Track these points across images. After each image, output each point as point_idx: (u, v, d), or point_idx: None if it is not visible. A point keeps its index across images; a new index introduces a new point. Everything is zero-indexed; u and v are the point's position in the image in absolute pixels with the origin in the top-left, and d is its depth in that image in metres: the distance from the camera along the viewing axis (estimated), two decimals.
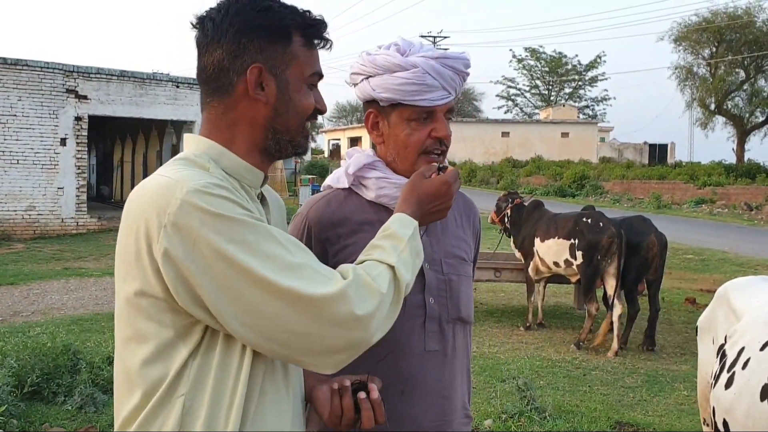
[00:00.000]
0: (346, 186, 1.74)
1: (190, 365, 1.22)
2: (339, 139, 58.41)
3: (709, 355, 2.74)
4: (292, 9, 1.39)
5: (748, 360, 2.35)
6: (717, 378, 2.50)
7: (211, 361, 1.23)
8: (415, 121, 1.65)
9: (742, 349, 2.42)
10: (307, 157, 43.36)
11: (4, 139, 15.84)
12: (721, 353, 2.57)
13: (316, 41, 1.42)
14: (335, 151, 56.69)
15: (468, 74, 1.70)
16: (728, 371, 2.43)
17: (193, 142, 1.39)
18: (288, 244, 1.25)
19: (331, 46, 1.45)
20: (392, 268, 1.34)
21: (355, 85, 1.73)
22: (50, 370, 5.04)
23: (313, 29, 1.40)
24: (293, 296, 1.19)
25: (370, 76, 1.68)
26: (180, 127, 19.69)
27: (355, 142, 55.41)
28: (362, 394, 1.40)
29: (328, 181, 1.81)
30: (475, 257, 1.88)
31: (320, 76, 1.44)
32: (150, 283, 1.20)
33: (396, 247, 1.38)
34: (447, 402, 1.70)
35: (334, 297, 1.21)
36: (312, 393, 1.47)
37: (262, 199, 1.46)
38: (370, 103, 1.72)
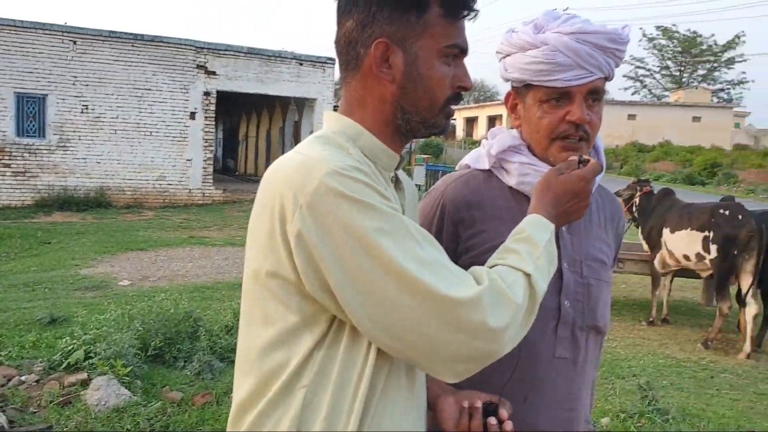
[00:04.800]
0: (486, 167, 1.62)
1: (314, 356, 1.16)
2: (455, 119, 58.03)
3: None
4: None
5: None
6: None
7: (336, 354, 1.16)
8: (548, 103, 1.51)
9: None
10: None
11: (140, 112, 16.75)
12: None
13: (459, 11, 1.27)
14: (450, 132, 56.40)
15: (620, 50, 1.51)
16: None
17: (332, 120, 1.32)
18: (421, 238, 1.15)
19: (476, 16, 1.30)
20: (528, 276, 1.21)
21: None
22: (172, 335, 5.25)
23: (455, 1, 1.26)
24: (427, 293, 1.09)
25: (507, 56, 1.56)
26: (302, 104, 20.13)
27: (471, 122, 54.87)
28: (492, 420, 1.30)
29: (467, 159, 1.69)
30: (614, 262, 1.72)
31: (462, 50, 1.29)
32: (282, 264, 1.14)
33: (531, 254, 1.25)
34: (572, 413, 1.56)
35: (468, 302, 1.10)
36: (436, 402, 1.37)
37: (396, 182, 1.38)
38: (511, 84, 1.60)
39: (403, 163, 1.39)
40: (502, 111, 48.95)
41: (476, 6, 1.30)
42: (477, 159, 1.66)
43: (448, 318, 1.09)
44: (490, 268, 1.22)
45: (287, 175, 1.15)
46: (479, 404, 1.32)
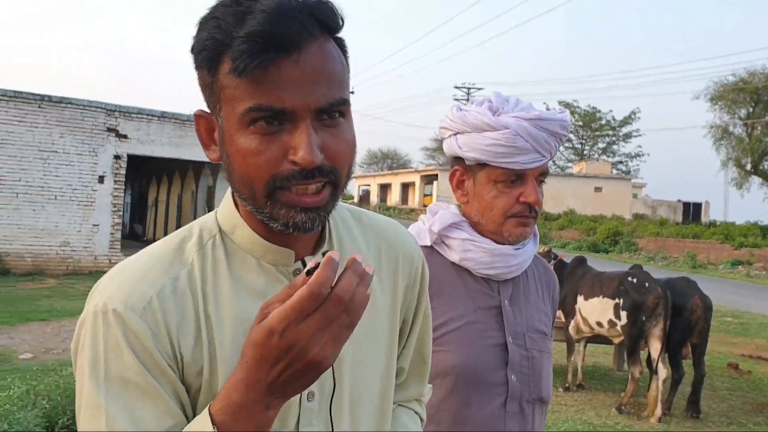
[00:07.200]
0: (428, 244, 1.64)
1: None
2: (369, 185, 58.73)
3: None
4: (236, 13, 0.87)
5: None
6: None
7: None
8: (503, 183, 1.56)
9: None
10: None
11: (44, 175, 16.09)
12: None
13: (249, 61, 0.84)
14: (365, 197, 56.95)
15: (566, 135, 1.59)
16: None
17: (221, 206, 1.05)
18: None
19: (281, 55, 0.85)
20: None
21: (443, 139, 1.65)
22: None
23: (241, 46, 0.85)
24: None
25: (458, 133, 1.60)
26: (216, 169, 19.89)
27: (385, 188, 55.65)
28: None
29: None
30: (551, 330, 1.75)
31: (277, 111, 0.86)
32: None
33: None
34: None
35: None
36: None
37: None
38: (457, 159, 1.63)
39: (321, 247, 1.04)
40: (415, 179, 49.95)
41: (286, 44, 0.85)
42: (418, 235, 1.67)
43: None
44: None
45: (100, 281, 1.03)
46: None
